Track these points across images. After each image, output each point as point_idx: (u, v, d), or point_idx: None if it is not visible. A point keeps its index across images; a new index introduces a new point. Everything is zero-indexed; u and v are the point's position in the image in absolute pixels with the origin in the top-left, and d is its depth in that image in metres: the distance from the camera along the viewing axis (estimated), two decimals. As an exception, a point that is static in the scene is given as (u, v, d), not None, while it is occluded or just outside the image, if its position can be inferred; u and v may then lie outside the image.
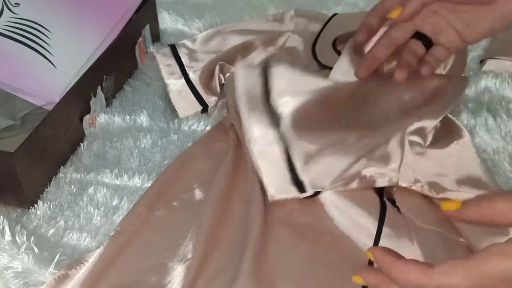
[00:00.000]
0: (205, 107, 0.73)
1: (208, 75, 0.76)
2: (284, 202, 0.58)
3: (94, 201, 0.61)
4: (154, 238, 0.56)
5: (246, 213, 0.57)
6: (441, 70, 0.71)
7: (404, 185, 0.57)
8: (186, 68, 0.78)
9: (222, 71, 0.76)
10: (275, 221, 0.56)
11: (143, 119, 0.72)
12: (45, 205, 0.60)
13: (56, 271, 0.52)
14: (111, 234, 0.55)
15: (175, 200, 0.60)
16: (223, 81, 0.76)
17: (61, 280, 0.52)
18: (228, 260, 0.53)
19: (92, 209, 0.60)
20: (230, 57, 0.78)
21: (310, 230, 0.56)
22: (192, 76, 0.76)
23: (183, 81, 0.76)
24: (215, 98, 0.74)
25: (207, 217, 0.56)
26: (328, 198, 0.58)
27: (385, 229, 0.54)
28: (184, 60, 0.80)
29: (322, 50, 0.78)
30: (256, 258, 0.51)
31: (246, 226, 0.55)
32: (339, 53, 0.75)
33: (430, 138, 0.59)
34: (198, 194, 0.61)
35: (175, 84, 0.76)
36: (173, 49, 0.82)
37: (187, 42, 0.83)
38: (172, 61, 0.80)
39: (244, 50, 0.79)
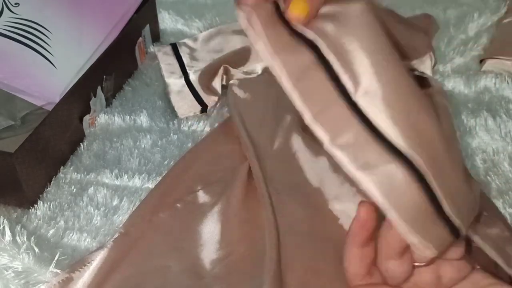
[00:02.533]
0: (204, 107, 0.73)
1: (208, 76, 0.76)
2: (291, 210, 0.58)
3: (94, 201, 0.61)
4: (158, 240, 0.56)
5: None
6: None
7: None
8: (187, 68, 0.78)
9: (226, 73, 0.77)
10: (281, 229, 0.56)
11: (143, 119, 0.72)
12: (45, 205, 0.60)
13: (57, 271, 0.52)
14: (115, 236, 0.55)
15: (179, 202, 0.60)
16: (224, 82, 0.76)
17: (65, 283, 0.52)
18: (253, 268, 0.52)
19: (92, 210, 0.60)
20: (232, 60, 0.78)
21: (315, 236, 0.55)
22: (192, 76, 0.76)
23: (183, 81, 0.76)
24: (215, 98, 0.74)
25: (232, 227, 0.56)
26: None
27: None
28: (185, 59, 0.80)
29: None
30: (277, 265, 0.51)
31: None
32: None
33: None
34: (201, 196, 0.61)
35: (175, 84, 0.76)
36: (174, 48, 0.82)
37: (188, 41, 0.83)
38: (173, 60, 0.80)
39: (246, 53, 0.79)
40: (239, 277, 0.52)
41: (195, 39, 0.84)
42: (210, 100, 0.74)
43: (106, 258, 0.53)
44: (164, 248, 0.55)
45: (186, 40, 0.83)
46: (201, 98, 0.74)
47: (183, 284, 0.52)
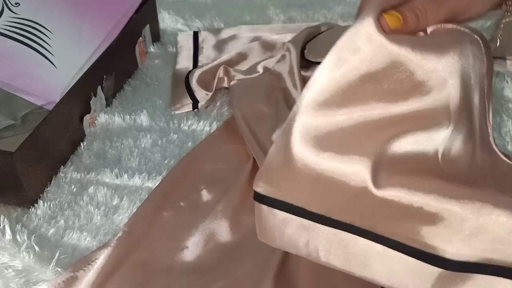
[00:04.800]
0: (195, 103, 0.74)
1: (210, 77, 0.77)
2: None
3: (94, 200, 0.61)
4: (162, 239, 0.56)
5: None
6: None
7: None
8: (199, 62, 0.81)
9: (227, 73, 0.77)
10: None
11: (143, 118, 0.72)
12: (46, 205, 0.60)
13: (58, 269, 0.53)
14: (119, 235, 0.55)
15: (182, 200, 0.60)
16: (225, 84, 0.77)
17: (70, 282, 0.52)
18: (256, 266, 0.52)
19: (92, 209, 0.60)
20: (231, 62, 0.79)
21: None
22: (196, 75, 0.77)
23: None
24: (207, 94, 0.75)
25: (235, 225, 0.56)
26: None
27: None
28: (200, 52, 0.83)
29: (311, 48, 0.79)
30: (279, 266, 0.51)
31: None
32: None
33: None
34: (205, 195, 0.61)
35: (180, 75, 0.78)
36: (195, 37, 0.86)
37: (209, 35, 0.85)
38: (188, 53, 0.83)
39: (244, 54, 0.80)
40: (242, 274, 0.52)
41: (217, 32, 0.86)
42: (201, 94, 0.74)
43: (110, 256, 0.53)
44: (167, 247, 0.55)
45: (207, 33, 0.86)
46: (195, 96, 0.75)
47: (186, 282, 0.52)
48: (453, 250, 0.41)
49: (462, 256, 0.41)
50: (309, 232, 0.45)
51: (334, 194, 0.43)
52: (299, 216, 0.45)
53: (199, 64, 0.79)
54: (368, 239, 0.44)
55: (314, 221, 0.45)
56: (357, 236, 0.44)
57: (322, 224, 0.45)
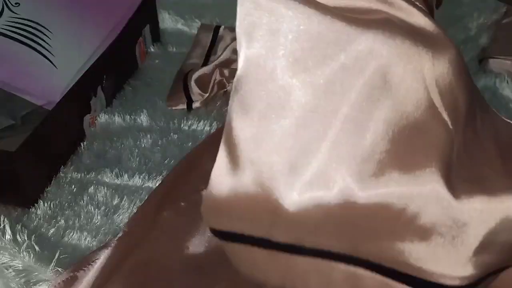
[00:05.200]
0: (190, 103, 0.74)
1: (208, 79, 0.77)
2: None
3: (94, 200, 0.61)
4: (162, 239, 0.56)
5: None
6: None
7: None
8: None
9: (223, 75, 0.77)
10: None
11: (143, 118, 0.72)
12: (46, 205, 0.60)
13: (58, 269, 0.53)
14: (119, 235, 0.55)
15: (183, 200, 0.60)
16: (226, 86, 0.77)
17: (70, 282, 0.52)
18: None
19: (92, 209, 0.60)
20: (229, 61, 0.79)
21: None
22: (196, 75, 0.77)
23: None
24: (200, 94, 0.75)
25: None
26: None
27: None
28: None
29: None
30: None
31: None
32: None
33: None
34: None
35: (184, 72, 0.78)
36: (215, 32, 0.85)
37: (228, 34, 0.85)
38: (202, 49, 0.83)
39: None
40: (243, 276, 0.52)
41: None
42: (197, 95, 0.74)
43: (110, 256, 0.53)
44: (167, 247, 0.55)
45: (227, 31, 0.85)
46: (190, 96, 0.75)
47: (186, 283, 0.52)
48: (453, 272, 0.36)
49: (466, 279, 0.36)
50: (280, 262, 0.41)
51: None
52: (265, 248, 0.41)
53: (209, 63, 0.79)
54: (353, 264, 0.39)
55: (283, 251, 0.41)
56: (339, 263, 0.40)
57: (293, 253, 0.40)
